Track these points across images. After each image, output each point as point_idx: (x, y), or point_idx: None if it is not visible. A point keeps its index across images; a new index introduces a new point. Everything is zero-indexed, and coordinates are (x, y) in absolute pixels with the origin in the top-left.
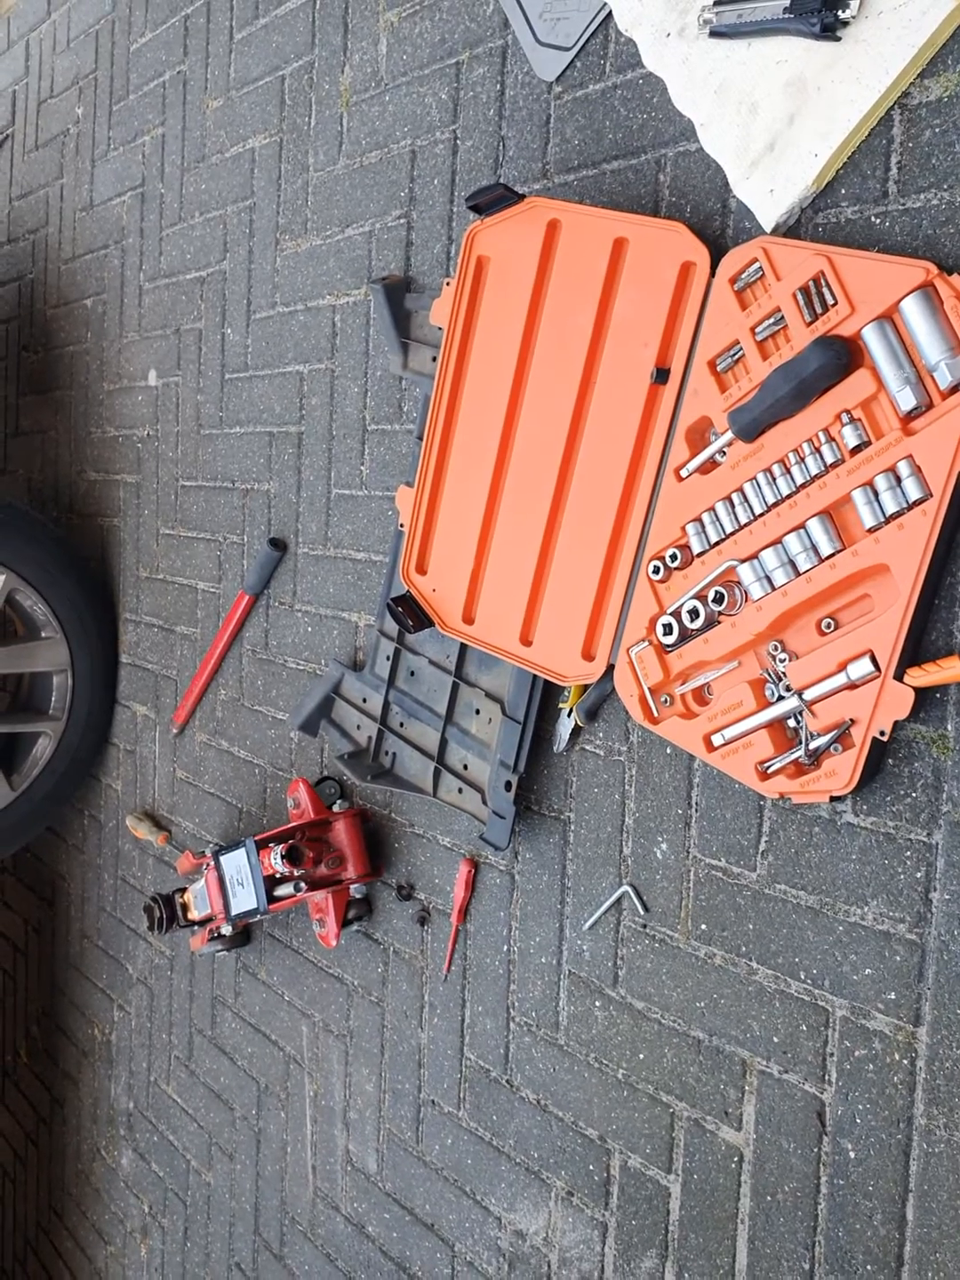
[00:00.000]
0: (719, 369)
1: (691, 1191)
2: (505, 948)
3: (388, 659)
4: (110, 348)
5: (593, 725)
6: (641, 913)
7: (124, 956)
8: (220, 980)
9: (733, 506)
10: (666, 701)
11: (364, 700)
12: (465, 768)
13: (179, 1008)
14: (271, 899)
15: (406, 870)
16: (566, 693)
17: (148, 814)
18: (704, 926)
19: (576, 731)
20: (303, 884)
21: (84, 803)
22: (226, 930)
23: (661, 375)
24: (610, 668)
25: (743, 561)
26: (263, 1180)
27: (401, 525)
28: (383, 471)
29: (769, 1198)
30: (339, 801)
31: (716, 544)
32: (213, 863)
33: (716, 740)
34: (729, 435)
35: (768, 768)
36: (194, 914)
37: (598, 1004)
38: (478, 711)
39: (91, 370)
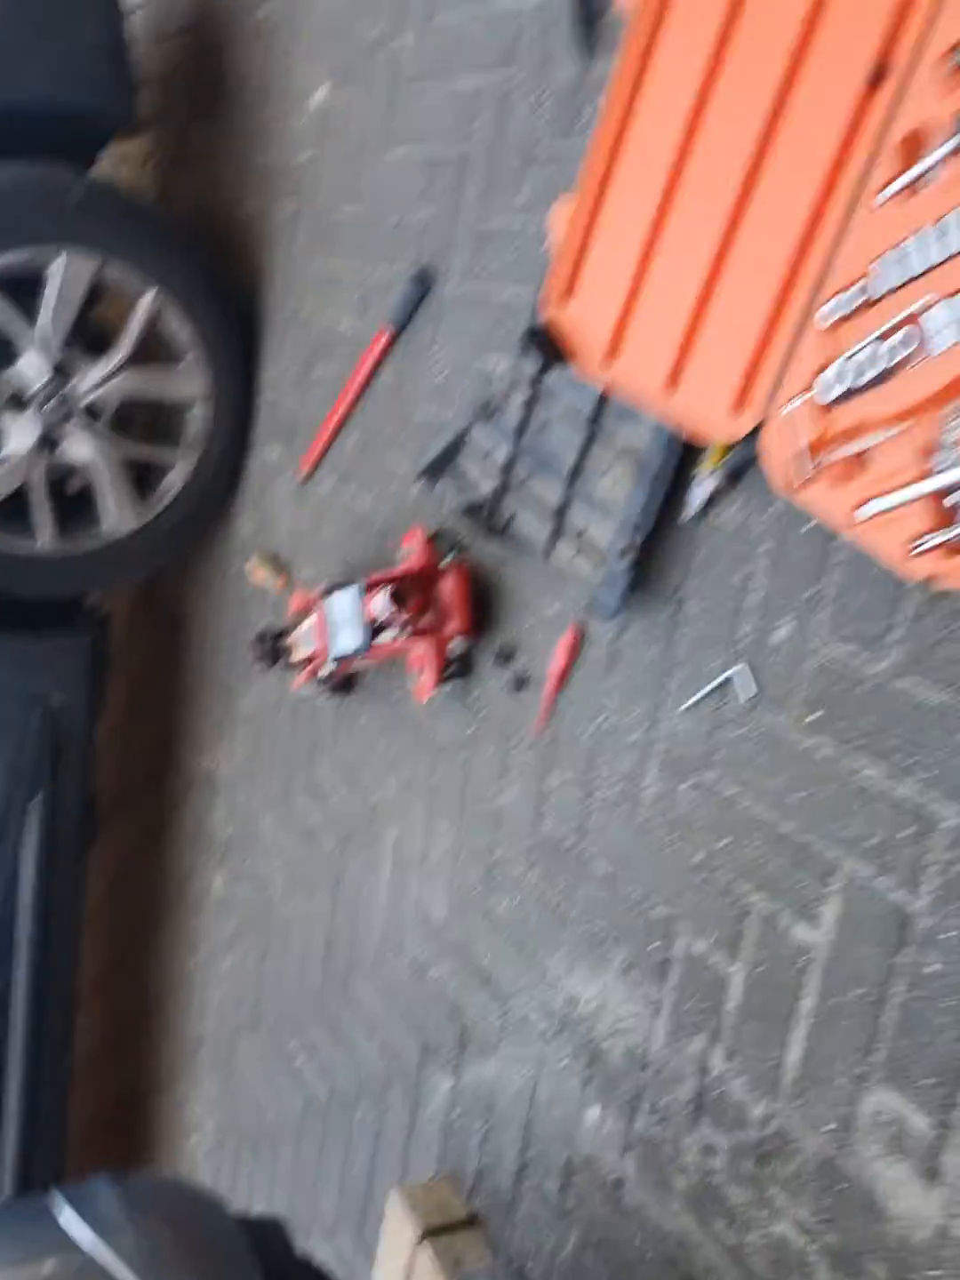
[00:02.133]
0: (954, 63)
1: (754, 983)
2: (598, 720)
3: (520, 408)
4: (278, 64)
5: (731, 492)
6: (750, 696)
7: (235, 695)
8: (320, 726)
9: (933, 239)
10: (816, 467)
11: (490, 452)
12: (584, 532)
13: (281, 748)
14: (372, 643)
15: (509, 634)
16: (707, 454)
17: (269, 558)
18: (815, 716)
19: (712, 499)
20: (404, 632)
21: (209, 544)
22: (327, 670)
23: (878, 76)
24: (758, 427)
25: (932, 307)
26: (337, 917)
27: (552, 246)
28: (542, 202)
29: (835, 1000)
30: (451, 555)
31: (905, 284)
32: (321, 601)
33: (865, 513)
34: (950, 145)
35: (917, 548)
36: (298, 654)
37: (685, 786)
38: (607, 471)
39: (257, 90)
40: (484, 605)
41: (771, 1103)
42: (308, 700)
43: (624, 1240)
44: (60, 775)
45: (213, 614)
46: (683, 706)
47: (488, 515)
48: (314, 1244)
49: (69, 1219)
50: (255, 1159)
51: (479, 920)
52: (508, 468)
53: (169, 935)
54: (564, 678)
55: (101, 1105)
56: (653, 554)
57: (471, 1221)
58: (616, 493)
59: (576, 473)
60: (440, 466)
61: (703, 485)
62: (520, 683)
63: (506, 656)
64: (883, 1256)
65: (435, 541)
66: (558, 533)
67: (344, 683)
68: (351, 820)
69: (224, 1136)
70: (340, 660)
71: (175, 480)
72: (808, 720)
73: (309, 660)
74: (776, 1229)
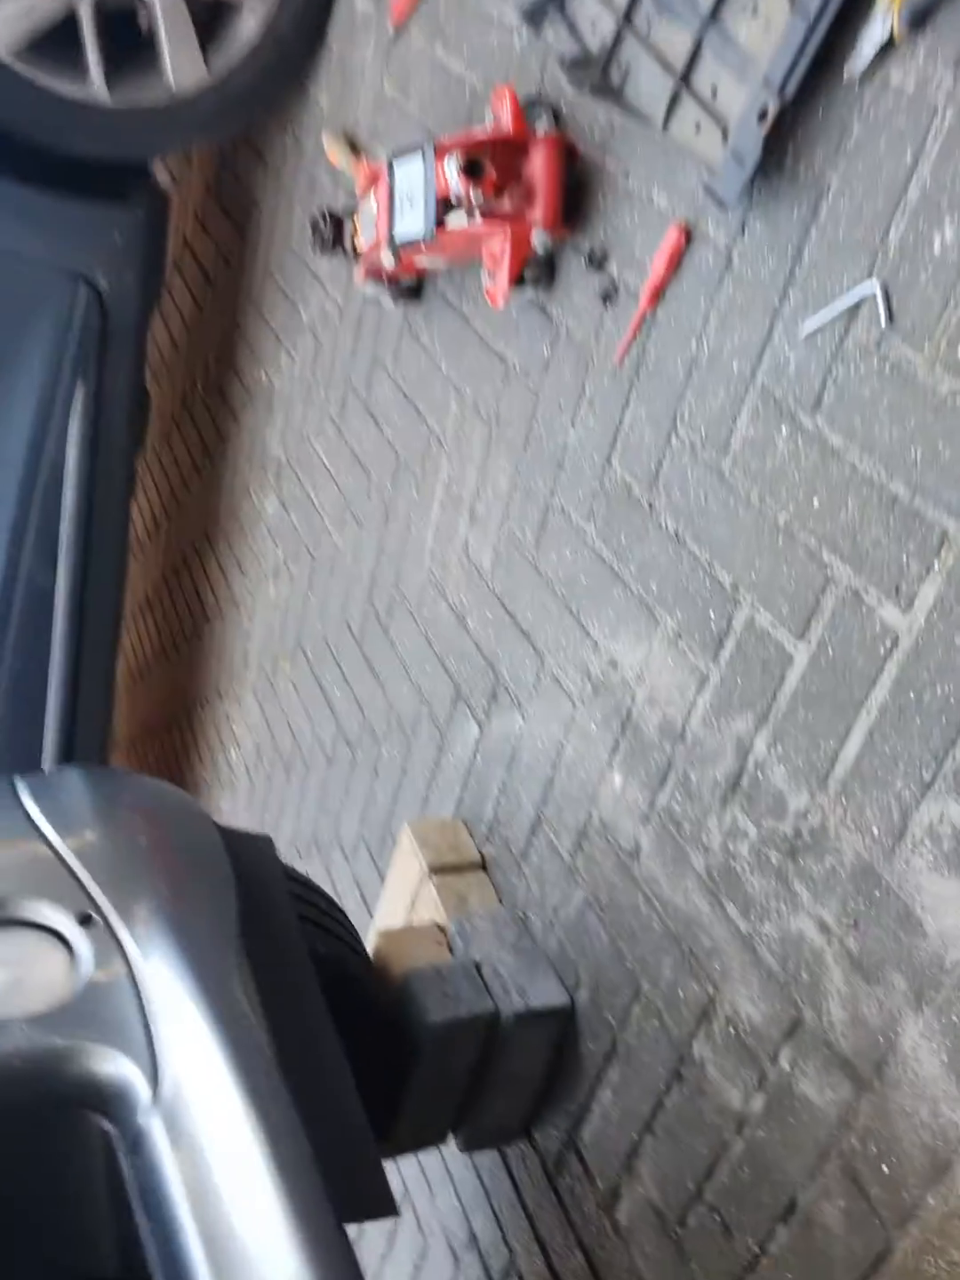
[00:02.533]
0: None
1: (820, 666)
2: (693, 345)
3: None
4: None
5: (913, 40)
6: (884, 324)
7: (299, 300)
8: (383, 340)
9: None
10: None
11: None
12: (714, 94)
13: (341, 363)
14: (440, 224)
15: (603, 234)
16: None
17: (347, 137)
18: None
19: (885, 49)
20: (478, 215)
21: (287, 117)
22: (389, 262)
23: None
24: None
25: None
26: (383, 553)
27: None
28: None
29: (911, 695)
30: (544, 124)
31: None
32: (386, 171)
33: None
34: None
35: None
36: (361, 239)
37: (785, 430)
38: (755, 10)
39: None
40: (577, 193)
41: (815, 796)
42: (372, 305)
43: (629, 908)
44: (108, 365)
45: (283, 203)
46: (800, 333)
47: (597, 70)
48: (334, 863)
49: (32, 806)
50: (287, 778)
51: (526, 572)
52: (630, 8)
53: (220, 557)
54: (660, 292)
55: (151, 714)
56: (795, 126)
57: (481, 866)
58: (763, 43)
59: (716, 12)
60: (546, 5)
61: (877, 29)
62: (609, 295)
63: (597, 261)
64: (908, 970)
65: (528, 109)
66: (681, 94)
67: (412, 288)
68: (406, 450)
69: (261, 754)
70: (403, 248)
71: (249, 27)
72: (945, 359)
73: (373, 248)
74: (795, 924)
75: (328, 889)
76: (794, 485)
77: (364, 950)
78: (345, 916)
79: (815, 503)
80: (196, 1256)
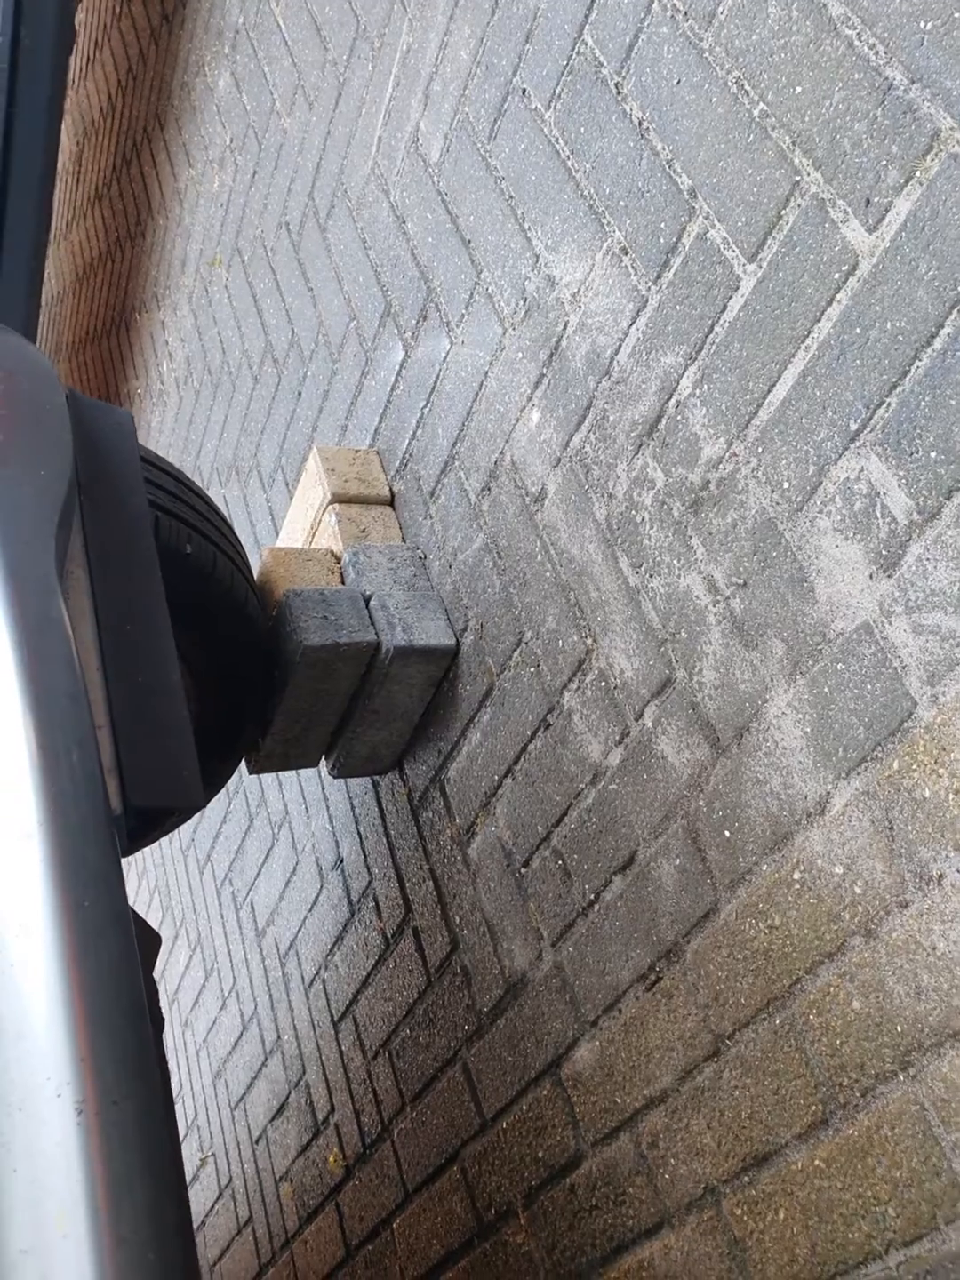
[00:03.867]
0: None
1: (766, 293)
2: None
3: None
4: None
5: None
6: None
7: None
8: None
9: None
10: None
11: None
12: None
13: None
14: None
15: None
16: None
17: None
18: None
19: None
20: None
21: None
22: None
23: None
24: None
25: None
26: (331, 140)
27: None
28: None
29: (858, 330)
30: None
31: None
32: None
33: None
34: None
35: None
36: None
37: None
38: None
39: None
40: None
41: (731, 444)
42: None
43: (525, 555)
44: None
45: None
46: None
47: None
48: (251, 491)
49: None
50: (214, 397)
51: (475, 166)
52: None
53: (169, 143)
54: None
55: (93, 323)
56: None
57: (388, 502)
58: None
59: None
60: None
61: None
62: None
63: None
64: (790, 637)
65: None
66: None
67: None
68: (367, 15)
69: (190, 368)
70: None
71: None
72: None
73: None
74: (684, 581)
75: (242, 516)
76: (778, 66)
77: (245, 564)
78: (227, 526)
79: (799, 89)
80: None
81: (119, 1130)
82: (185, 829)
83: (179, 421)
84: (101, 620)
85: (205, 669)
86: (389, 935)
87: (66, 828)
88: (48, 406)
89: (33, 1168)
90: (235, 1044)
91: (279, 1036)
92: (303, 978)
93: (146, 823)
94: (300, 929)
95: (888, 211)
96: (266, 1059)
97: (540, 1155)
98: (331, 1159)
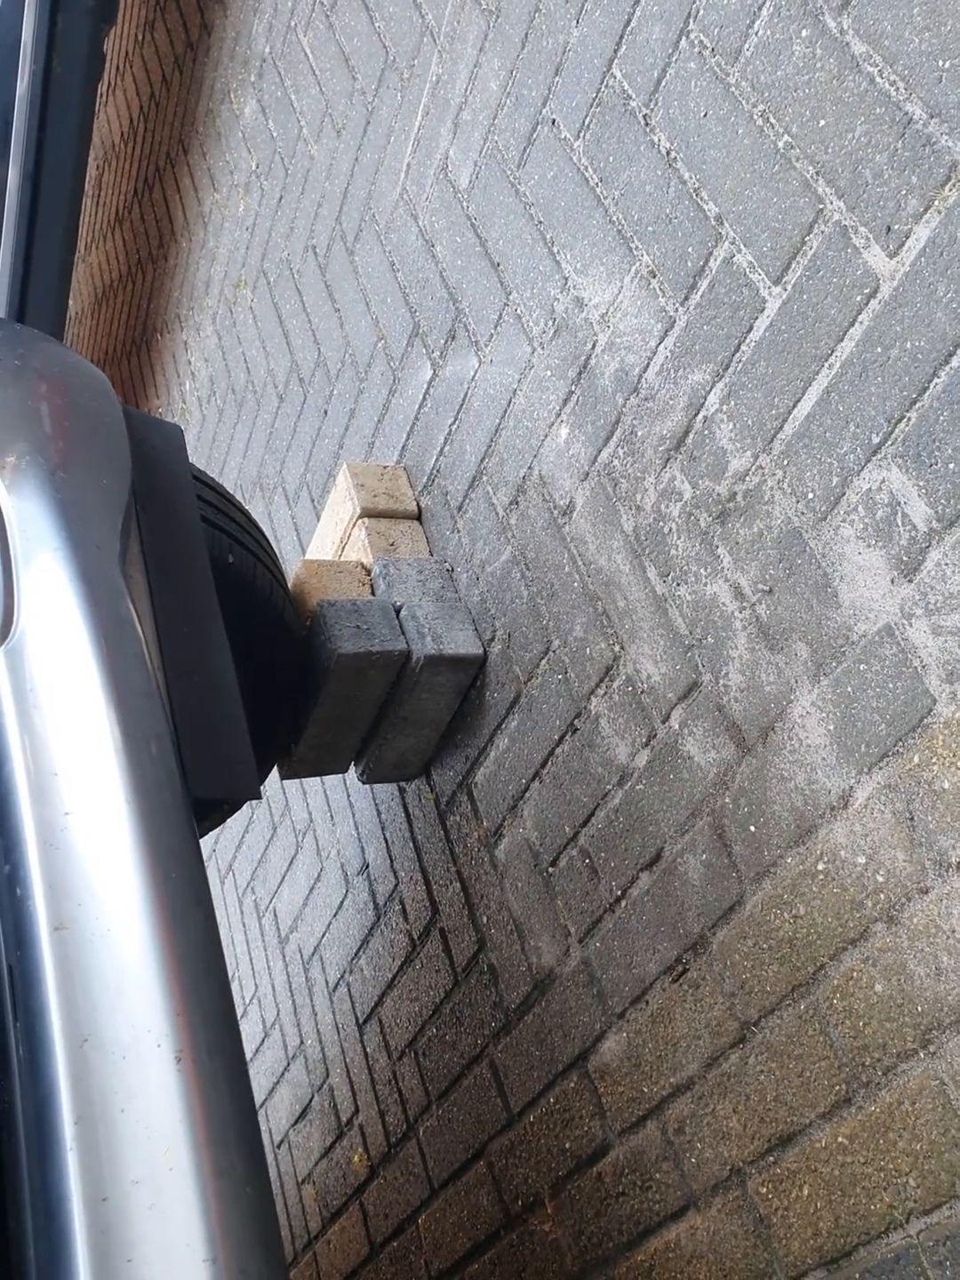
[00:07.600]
0: None
1: (791, 314)
2: None
3: None
4: None
5: None
6: None
7: None
8: None
9: None
10: None
11: None
12: None
13: None
14: None
15: None
16: None
17: None
18: None
19: None
20: None
21: None
22: None
23: None
24: None
25: None
26: (359, 166)
27: None
28: None
29: (879, 349)
30: None
31: None
32: None
33: None
34: None
35: None
36: None
37: (806, 34)
38: None
39: None
40: None
41: (757, 457)
42: None
43: (553, 566)
44: None
45: None
46: None
47: None
48: (275, 506)
49: None
50: (238, 415)
51: (505, 192)
52: None
53: (193, 168)
54: None
55: (114, 343)
56: None
57: (416, 516)
58: None
59: None
60: None
61: None
62: None
63: None
64: (814, 640)
65: None
66: None
67: None
68: (396, 47)
69: (214, 387)
70: None
71: None
72: None
73: None
74: (711, 589)
75: (267, 531)
76: (803, 100)
77: (281, 575)
78: (264, 537)
79: (822, 122)
80: (21, 783)
81: (213, 1078)
82: (205, 840)
83: (202, 439)
84: (160, 622)
85: (244, 676)
86: (415, 937)
87: (151, 810)
88: (106, 417)
89: (139, 1108)
90: (257, 1050)
91: (302, 1041)
92: (327, 982)
93: (199, 814)
94: (324, 934)
95: (908, 238)
96: (289, 1064)
97: (567, 1146)
98: (356, 1159)
